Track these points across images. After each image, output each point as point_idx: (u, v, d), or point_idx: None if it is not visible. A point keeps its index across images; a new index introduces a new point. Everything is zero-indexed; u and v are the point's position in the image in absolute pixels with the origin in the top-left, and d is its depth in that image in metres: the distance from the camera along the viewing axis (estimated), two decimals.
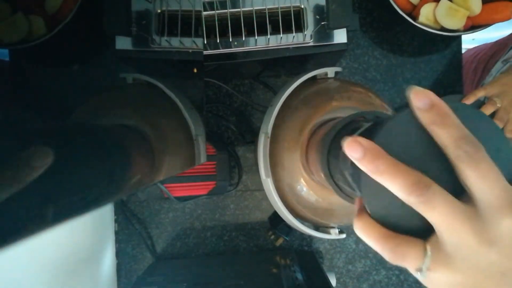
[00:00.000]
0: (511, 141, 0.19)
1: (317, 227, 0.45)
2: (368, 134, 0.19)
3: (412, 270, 0.18)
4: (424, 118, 0.17)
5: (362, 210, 0.20)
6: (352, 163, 0.19)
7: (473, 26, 0.51)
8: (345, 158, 0.24)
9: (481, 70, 0.72)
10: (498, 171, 0.17)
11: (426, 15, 0.50)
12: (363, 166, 0.18)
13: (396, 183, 0.17)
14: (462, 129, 0.17)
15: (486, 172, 0.16)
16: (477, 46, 0.80)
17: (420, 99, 0.17)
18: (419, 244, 0.18)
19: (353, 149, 0.18)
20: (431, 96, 0.17)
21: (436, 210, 0.17)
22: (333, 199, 0.40)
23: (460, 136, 0.17)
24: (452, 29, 0.50)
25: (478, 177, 0.16)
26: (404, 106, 0.63)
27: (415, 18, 0.51)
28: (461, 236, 0.17)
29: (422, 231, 0.18)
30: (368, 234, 0.19)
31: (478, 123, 0.18)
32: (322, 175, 0.31)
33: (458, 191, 0.17)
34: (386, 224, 0.19)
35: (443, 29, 0.51)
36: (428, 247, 0.18)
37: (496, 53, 0.70)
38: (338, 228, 0.44)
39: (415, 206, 0.17)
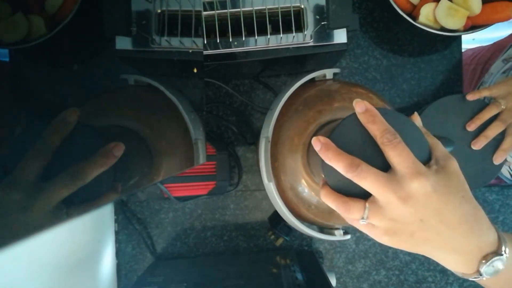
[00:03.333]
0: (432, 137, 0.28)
1: (321, 229, 0.45)
2: (330, 132, 0.28)
3: (357, 219, 0.27)
4: (362, 118, 0.27)
5: (325, 183, 0.29)
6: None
7: (473, 26, 0.51)
8: None
9: (480, 70, 0.73)
10: (409, 150, 0.25)
11: (426, 15, 0.50)
12: (321, 155, 0.27)
13: (338, 165, 0.26)
14: (385, 124, 0.26)
15: (401, 151, 0.25)
16: (475, 47, 0.80)
17: (360, 106, 0.27)
18: (361, 202, 0.26)
19: (315, 144, 0.27)
20: (366, 104, 0.26)
21: (366, 180, 0.25)
22: None
23: (384, 129, 0.25)
24: (452, 29, 0.50)
25: (396, 155, 0.25)
26: (405, 107, 0.64)
27: (415, 18, 0.51)
28: (385, 194, 0.25)
29: (364, 195, 0.26)
30: (328, 197, 0.28)
31: (399, 121, 0.26)
32: (323, 176, 0.31)
33: (386, 167, 0.26)
34: (339, 191, 0.28)
35: (443, 29, 0.51)
36: (367, 204, 0.26)
37: (495, 54, 0.70)
38: (342, 229, 0.44)
39: (352, 179, 0.26)
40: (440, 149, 0.27)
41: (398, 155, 0.25)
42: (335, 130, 0.28)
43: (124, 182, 0.28)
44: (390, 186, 0.25)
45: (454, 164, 0.26)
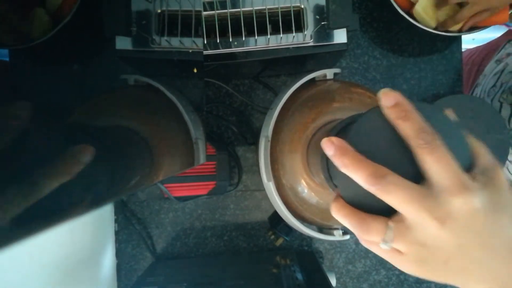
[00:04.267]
0: (466, 134, 0.22)
1: (320, 229, 0.45)
2: (343, 131, 0.23)
3: (376, 242, 0.21)
4: (391, 113, 0.21)
5: (338, 196, 0.24)
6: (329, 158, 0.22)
7: (470, 27, 0.51)
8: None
9: (475, 71, 0.73)
10: (451, 157, 0.19)
11: (423, 7, 0.50)
12: (334, 161, 0.22)
13: (357, 174, 0.20)
14: (421, 122, 0.20)
15: (440, 157, 0.19)
16: (470, 48, 0.80)
17: (388, 98, 0.21)
18: (382, 219, 0.21)
19: (327, 147, 0.22)
20: (397, 95, 0.21)
21: (392, 196, 0.20)
22: None
23: (419, 127, 0.20)
24: (453, 30, 0.50)
25: (434, 161, 0.19)
26: None
27: (413, 16, 0.51)
28: (416, 213, 0.20)
29: (388, 211, 0.21)
30: (340, 213, 0.23)
31: (437, 119, 0.21)
32: (323, 177, 0.31)
33: (418, 178, 0.20)
34: (355, 205, 0.22)
35: (442, 29, 0.51)
36: (390, 223, 0.21)
37: (488, 54, 0.70)
38: (341, 229, 0.44)
39: (374, 193, 0.20)
40: (486, 155, 0.22)
41: (437, 162, 0.19)
42: (352, 129, 0.22)
43: (124, 182, 0.28)
44: (425, 202, 0.19)
45: (502, 175, 0.21)
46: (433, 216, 0.19)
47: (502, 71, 0.62)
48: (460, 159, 0.20)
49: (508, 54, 0.63)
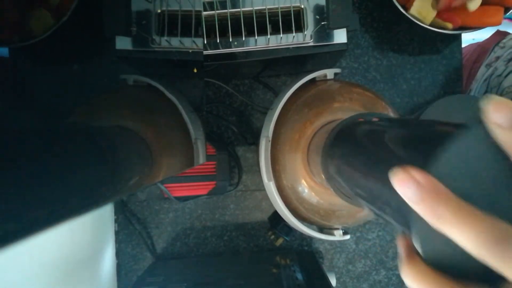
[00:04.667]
0: None
1: (321, 229, 0.45)
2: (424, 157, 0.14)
3: None
4: (505, 137, 0.13)
5: (412, 251, 0.16)
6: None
7: (462, 27, 0.51)
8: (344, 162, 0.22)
9: (467, 75, 0.72)
10: None
11: (418, 8, 0.50)
12: (418, 209, 0.14)
13: (465, 236, 0.13)
14: None
15: None
16: (464, 47, 0.80)
17: (502, 113, 0.13)
18: None
19: (405, 185, 0.14)
20: None
21: None
22: (335, 200, 0.40)
23: None
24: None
25: None
26: (405, 107, 0.63)
27: (407, 9, 0.51)
28: None
29: (484, 275, 0.14)
30: (421, 282, 0.15)
31: None
32: (323, 177, 0.31)
33: None
34: (444, 269, 0.14)
35: (435, 26, 0.51)
36: None
37: (479, 58, 0.70)
38: (342, 229, 0.44)
39: (489, 263, 0.13)
40: None
41: None
42: (438, 157, 0.14)
43: (124, 182, 0.28)
44: None
45: None
46: None
47: (491, 75, 0.62)
48: None
49: (497, 58, 0.63)
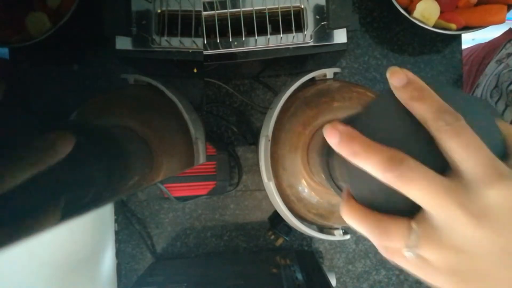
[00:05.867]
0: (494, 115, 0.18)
1: (321, 228, 0.45)
2: (351, 121, 0.19)
3: (398, 249, 0.17)
4: (402, 95, 0.17)
5: (349, 196, 0.20)
6: (338, 155, 0.19)
7: (466, 26, 0.51)
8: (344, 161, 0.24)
9: (475, 71, 0.72)
10: (479, 139, 0.16)
11: (421, 11, 0.50)
12: (341, 151, 0.18)
13: (370, 162, 0.17)
14: (439, 101, 0.17)
15: (468, 141, 0.15)
16: (470, 47, 0.80)
17: (397, 77, 0.18)
18: (403, 220, 0.17)
19: (331, 134, 0.18)
20: (408, 73, 0.18)
21: (414, 184, 0.16)
22: (335, 200, 0.40)
23: (438, 107, 0.16)
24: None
25: (461, 146, 0.15)
26: None
27: (410, 12, 0.51)
28: (445, 209, 0.15)
29: (409, 210, 0.17)
30: (353, 216, 0.19)
31: (458, 99, 0.17)
32: (323, 177, 0.31)
33: (442, 168, 0.16)
34: (370, 205, 0.19)
35: (438, 27, 0.51)
36: (414, 224, 0.17)
37: (488, 54, 0.70)
38: (342, 229, 0.44)
39: (392, 183, 0.16)
40: None
41: (465, 147, 0.15)
42: (360, 115, 0.19)
43: (124, 182, 0.28)
44: (454, 195, 0.15)
45: None
46: (467, 212, 0.15)
47: (502, 70, 0.62)
48: (490, 145, 0.16)
49: (509, 54, 0.63)
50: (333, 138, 0.18)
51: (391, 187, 0.16)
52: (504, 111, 0.58)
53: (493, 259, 0.16)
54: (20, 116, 0.19)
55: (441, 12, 0.50)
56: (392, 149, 0.17)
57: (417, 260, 0.17)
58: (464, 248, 0.16)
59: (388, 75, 0.18)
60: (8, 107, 0.18)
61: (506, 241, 0.15)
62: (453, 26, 0.50)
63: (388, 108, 0.18)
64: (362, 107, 0.20)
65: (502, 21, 0.49)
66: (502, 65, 0.63)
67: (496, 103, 0.61)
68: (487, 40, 0.76)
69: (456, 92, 0.18)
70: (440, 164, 0.16)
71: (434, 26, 0.50)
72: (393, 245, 0.17)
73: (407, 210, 0.17)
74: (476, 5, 0.50)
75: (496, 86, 0.62)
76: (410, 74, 0.18)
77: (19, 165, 0.16)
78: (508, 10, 0.50)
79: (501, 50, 0.66)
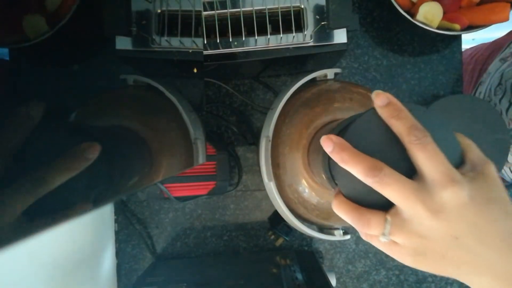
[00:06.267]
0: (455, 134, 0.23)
1: (321, 228, 0.45)
2: (342, 131, 0.24)
3: (376, 236, 0.23)
4: (384, 113, 0.22)
5: (339, 192, 0.25)
6: (330, 158, 0.24)
7: (470, 26, 0.51)
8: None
9: (479, 70, 0.72)
10: (441, 152, 0.21)
11: (424, 13, 0.50)
12: (333, 157, 0.23)
13: (356, 168, 0.22)
14: (412, 120, 0.21)
15: (431, 153, 0.21)
16: (474, 46, 0.80)
17: (381, 99, 0.22)
18: (380, 214, 0.23)
19: (326, 144, 0.23)
20: (389, 96, 0.22)
21: (389, 187, 0.21)
22: None
23: (411, 125, 0.21)
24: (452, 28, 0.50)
25: (425, 157, 0.21)
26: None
27: (413, 15, 0.51)
28: (411, 205, 0.21)
29: (385, 206, 0.22)
30: (341, 208, 0.24)
31: (427, 118, 0.22)
32: (324, 177, 0.31)
33: (411, 172, 0.22)
34: (355, 201, 0.24)
35: (442, 28, 0.50)
36: (388, 216, 0.22)
37: (493, 53, 0.70)
38: (342, 229, 0.44)
39: (372, 185, 0.22)
40: (475, 151, 0.23)
41: (429, 158, 0.21)
42: (350, 128, 0.23)
43: (124, 182, 0.28)
44: (418, 195, 0.21)
45: (492, 170, 0.22)
46: (427, 208, 0.21)
47: (506, 69, 0.62)
48: (449, 155, 0.21)
49: None
50: (327, 147, 0.23)
51: (371, 188, 0.22)
52: (508, 108, 0.58)
53: (445, 242, 0.21)
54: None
55: (444, 13, 0.50)
56: (373, 159, 0.22)
57: (390, 243, 0.23)
58: (424, 234, 0.21)
59: (373, 96, 0.23)
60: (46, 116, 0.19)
61: (454, 229, 0.21)
62: (457, 26, 0.50)
63: (371, 123, 0.23)
64: (350, 120, 0.25)
65: (506, 19, 0.49)
66: (506, 63, 0.63)
67: (500, 100, 0.61)
68: (487, 40, 0.76)
69: (426, 112, 0.23)
70: (409, 169, 0.22)
71: (438, 28, 0.50)
72: (372, 232, 0.23)
73: (383, 205, 0.22)
74: (479, 4, 0.50)
75: (499, 83, 0.62)
76: (391, 96, 0.22)
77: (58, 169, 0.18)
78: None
79: (506, 49, 0.66)
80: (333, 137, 0.23)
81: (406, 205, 0.21)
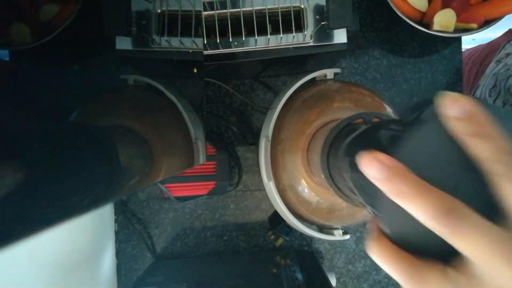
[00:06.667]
0: None
1: (320, 228, 0.45)
2: (389, 146, 0.17)
3: None
4: (460, 128, 0.15)
5: (379, 231, 0.18)
6: (361, 174, 0.17)
7: (469, 26, 0.51)
8: (345, 162, 0.24)
9: (475, 71, 0.72)
10: None
11: (439, 22, 0.50)
12: (383, 187, 0.16)
13: (418, 207, 0.15)
14: (503, 141, 0.15)
15: None
16: (472, 47, 0.80)
17: (457, 107, 0.15)
18: (439, 267, 0.16)
19: (372, 167, 0.16)
20: (470, 104, 0.15)
21: (465, 237, 0.14)
22: (335, 200, 0.40)
23: (501, 148, 0.15)
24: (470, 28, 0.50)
25: None
26: (405, 107, 0.63)
27: (428, 26, 0.51)
28: (493, 264, 0.14)
29: (445, 254, 0.16)
30: (384, 257, 0.17)
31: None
32: (323, 177, 0.31)
33: (492, 211, 0.15)
34: (401, 244, 0.17)
35: (460, 30, 0.50)
36: (451, 271, 0.15)
37: (489, 55, 0.70)
38: (341, 229, 0.44)
39: (438, 232, 0.15)
40: None
41: None
42: (404, 143, 0.16)
43: (124, 182, 0.28)
44: (505, 249, 0.14)
45: None
46: None
47: (500, 70, 0.62)
48: None
49: (508, 54, 0.63)
50: (375, 171, 0.16)
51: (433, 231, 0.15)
52: None
53: None
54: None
55: (457, 15, 0.50)
56: (447, 195, 0.15)
57: None
58: None
59: (444, 101, 0.16)
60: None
61: None
62: (474, 25, 0.50)
63: (437, 140, 0.16)
64: (401, 130, 0.18)
65: None
66: (500, 64, 0.63)
67: (494, 101, 0.61)
68: (486, 40, 0.76)
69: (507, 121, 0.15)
70: (487, 206, 0.15)
71: (455, 30, 0.50)
72: None
73: (443, 254, 0.16)
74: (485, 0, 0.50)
75: (494, 85, 0.62)
76: (472, 105, 0.15)
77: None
78: None
79: (501, 50, 0.66)
80: (383, 157, 0.16)
81: (483, 259, 0.14)
